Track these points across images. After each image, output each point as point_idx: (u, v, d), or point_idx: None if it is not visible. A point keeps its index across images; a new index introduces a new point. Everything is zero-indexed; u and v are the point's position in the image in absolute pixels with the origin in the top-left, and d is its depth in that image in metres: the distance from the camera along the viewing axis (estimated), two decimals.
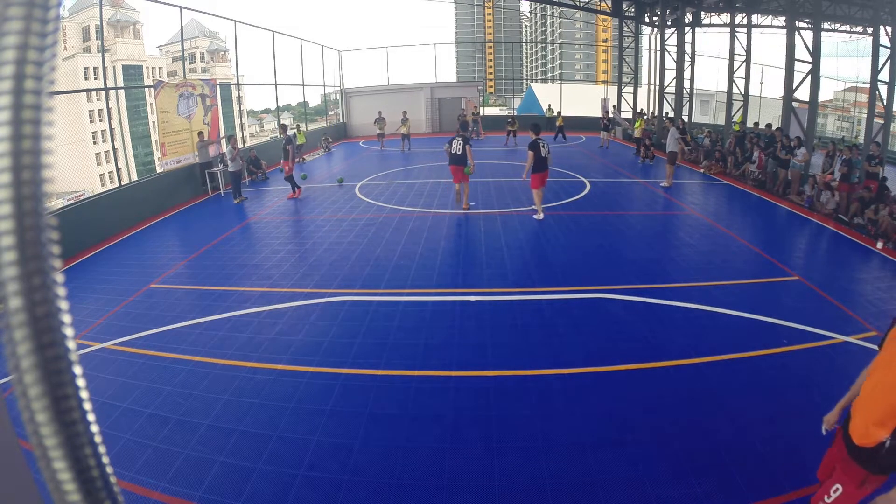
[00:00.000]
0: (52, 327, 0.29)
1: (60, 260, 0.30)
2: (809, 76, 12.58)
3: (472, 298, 5.43)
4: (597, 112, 22.68)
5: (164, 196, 10.50)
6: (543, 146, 8.22)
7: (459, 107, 22.60)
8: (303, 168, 15.64)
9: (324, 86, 22.74)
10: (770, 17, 16.52)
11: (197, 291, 5.94)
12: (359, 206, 9.81)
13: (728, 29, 16.40)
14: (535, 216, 8.47)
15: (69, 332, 0.30)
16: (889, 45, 11.66)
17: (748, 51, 15.59)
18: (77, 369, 0.30)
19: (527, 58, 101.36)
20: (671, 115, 17.64)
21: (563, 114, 24.22)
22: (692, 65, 17.84)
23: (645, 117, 17.97)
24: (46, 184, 0.29)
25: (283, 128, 11.88)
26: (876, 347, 4.32)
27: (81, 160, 33.82)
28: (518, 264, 6.44)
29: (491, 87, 67.26)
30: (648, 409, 3.59)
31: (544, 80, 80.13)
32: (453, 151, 8.77)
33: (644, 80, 22.64)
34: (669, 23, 18.18)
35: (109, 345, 4.72)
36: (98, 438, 0.32)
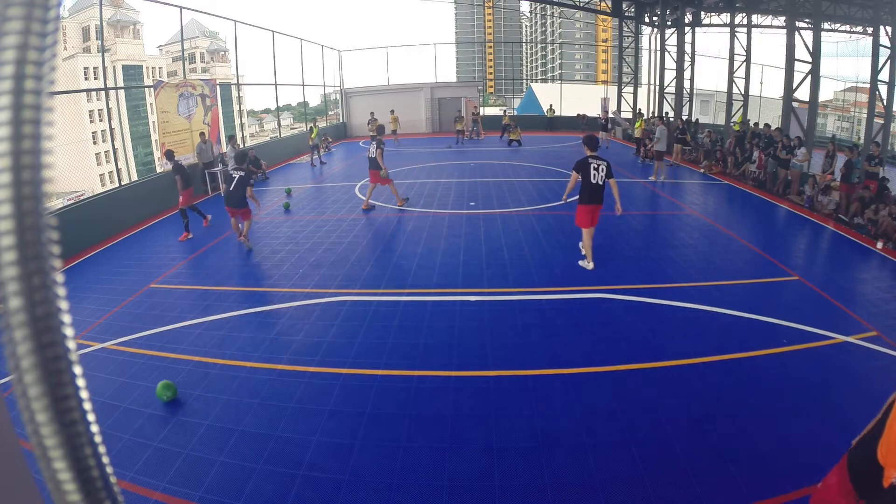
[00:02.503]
0: (52, 327, 0.29)
1: (60, 260, 0.30)
2: (809, 76, 12.59)
3: (472, 298, 5.43)
4: (596, 112, 22.71)
5: (165, 196, 10.49)
6: (597, 168, 5.97)
7: (458, 108, 22.57)
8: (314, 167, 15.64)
9: (324, 86, 22.74)
10: (770, 17, 16.53)
11: (197, 291, 5.94)
12: (359, 206, 9.80)
13: (728, 29, 16.41)
14: (581, 262, 6.38)
15: (69, 332, 0.30)
16: (889, 45, 11.66)
17: (748, 51, 15.60)
18: (77, 369, 0.30)
19: (527, 58, 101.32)
20: (671, 115, 17.66)
21: (561, 113, 24.28)
22: (692, 65, 17.85)
23: (645, 118, 17.98)
24: (46, 184, 0.29)
25: (169, 154, 8.63)
26: (877, 347, 4.33)
27: (81, 160, 33.80)
28: (518, 264, 6.44)
29: (491, 87, 67.23)
30: (648, 409, 3.59)
31: (544, 80, 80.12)
32: (369, 155, 9.11)
33: (644, 80, 22.65)
34: (669, 23, 18.19)
35: (109, 345, 4.72)
36: (98, 438, 0.32)
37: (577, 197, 6.28)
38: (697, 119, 18.70)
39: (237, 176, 7.03)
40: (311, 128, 16.35)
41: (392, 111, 19.21)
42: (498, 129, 20.93)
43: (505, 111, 22.62)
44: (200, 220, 8.80)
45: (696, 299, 5.31)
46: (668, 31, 18.52)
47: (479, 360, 4.25)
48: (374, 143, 8.99)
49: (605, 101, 22.75)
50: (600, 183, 6.04)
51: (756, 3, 15.51)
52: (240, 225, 7.38)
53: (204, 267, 6.80)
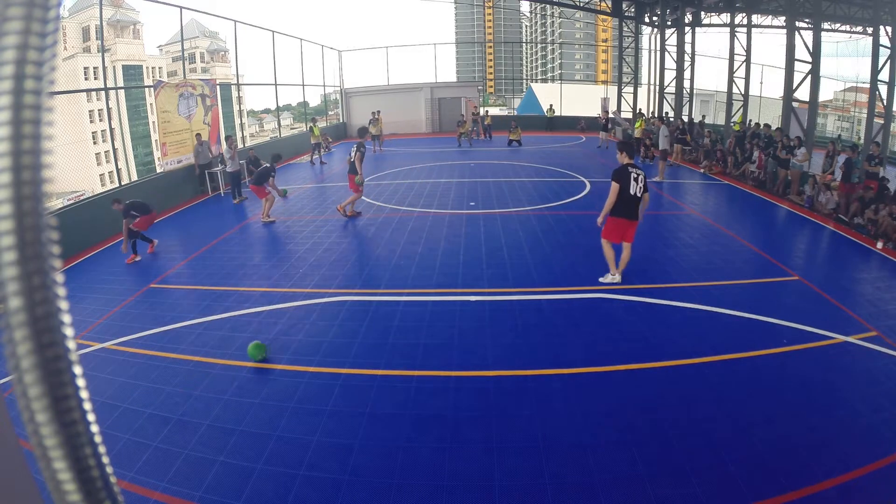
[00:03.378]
0: (52, 327, 0.29)
1: (60, 260, 0.30)
2: (809, 76, 12.59)
3: (472, 298, 5.42)
4: (595, 112, 22.73)
5: (164, 196, 10.50)
6: (637, 179, 5.38)
7: (459, 108, 22.49)
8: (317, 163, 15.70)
9: (324, 86, 22.75)
10: (770, 17, 16.53)
11: (197, 291, 5.94)
12: (359, 206, 9.80)
13: (728, 29, 16.40)
14: (605, 277, 5.76)
15: (69, 332, 0.30)
16: (889, 45, 11.66)
17: (748, 51, 15.59)
18: (77, 369, 0.30)
19: (527, 58, 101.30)
20: (671, 115, 17.66)
21: (561, 113, 24.30)
22: (692, 65, 17.85)
23: (644, 117, 17.99)
24: (46, 184, 0.29)
25: (118, 197, 7.43)
26: (877, 347, 4.33)
27: (81, 160, 33.81)
28: (518, 264, 6.44)
29: (491, 87, 67.23)
30: (648, 409, 3.59)
31: (544, 80, 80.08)
32: (349, 160, 8.64)
33: (644, 80, 22.66)
34: (669, 23, 18.18)
35: (109, 345, 4.72)
36: (98, 438, 0.32)
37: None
38: (704, 116, 18.51)
39: (264, 165, 8.97)
40: (310, 127, 16.65)
41: (376, 112, 19.18)
42: (501, 129, 20.92)
43: (487, 112, 22.19)
44: (145, 244, 7.56)
45: (696, 299, 5.31)
46: (668, 31, 18.51)
47: (479, 360, 4.25)
48: (354, 146, 8.60)
49: (605, 101, 22.75)
50: (638, 195, 5.41)
51: (756, 3, 15.50)
52: (265, 201, 8.83)
53: (204, 267, 6.80)
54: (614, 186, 5.41)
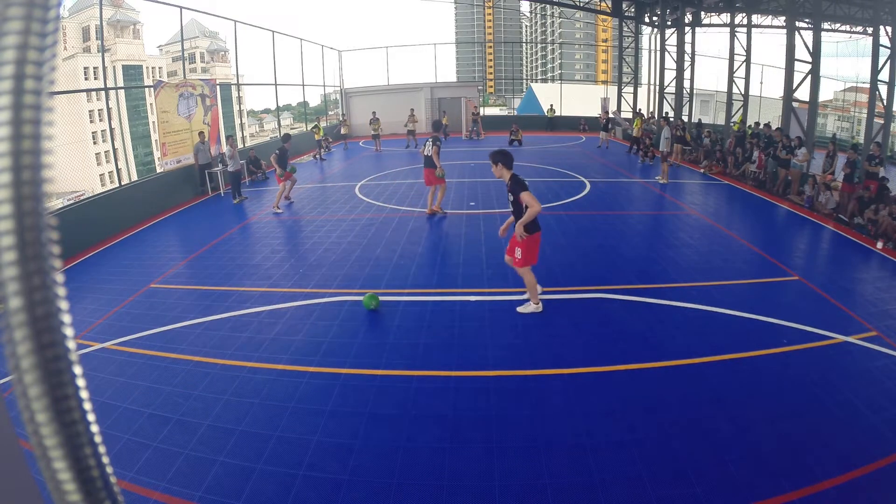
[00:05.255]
0: (52, 327, 0.29)
1: (60, 260, 0.30)
2: (809, 76, 12.58)
3: (472, 298, 5.42)
4: (595, 112, 22.73)
5: (164, 196, 10.50)
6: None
7: (458, 108, 22.51)
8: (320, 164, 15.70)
9: (324, 86, 22.75)
10: (770, 17, 16.53)
11: (197, 291, 5.94)
12: (359, 206, 9.80)
13: (728, 29, 16.40)
14: (527, 307, 5.01)
15: (69, 332, 0.30)
16: (889, 45, 11.66)
17: (748, 51, 15.59)
18: (77, 369, 0.30)
19: (527, 58, 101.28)
20: (671, 115, 17.66)
21: (561, 113, 24.31)
22: (692, 65, 17.84)
23: (643, 117, 17.98)
24: (46, 184, 0.29)
25: None
26: (877, 347, 4.33)
27: (81, 160, 33.81)
28: None
29: (491, 87, 67.21)
30: (648, 408, 3.59)
31: (544, 80, 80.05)
32: (425, 153, 8.82)
33: (644, 80, 22.66)
34: (669, 23, 18.18)
35: (109, 345, 4.72)
36: (98, 438, 0.32)
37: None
38: (750, 127, 18.09)
39: (277, 152, 9.90)
40: (315, 126, 17.54)
41: (344, 115, 19.25)
42: (499, 129, 20.90)
43: (444, 112, 21.59)
44: None
45: (696, 299, 5.31)
46: (668, 31, 18.51)
47: (479, 360, 4.25)
48: (429, 140, 8.72)
49: (605, 101, 22.76)
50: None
51: (756, 3, 15.50)
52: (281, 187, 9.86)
53: (204, 267, 6.80)
54: (530, 196, 4.64)
